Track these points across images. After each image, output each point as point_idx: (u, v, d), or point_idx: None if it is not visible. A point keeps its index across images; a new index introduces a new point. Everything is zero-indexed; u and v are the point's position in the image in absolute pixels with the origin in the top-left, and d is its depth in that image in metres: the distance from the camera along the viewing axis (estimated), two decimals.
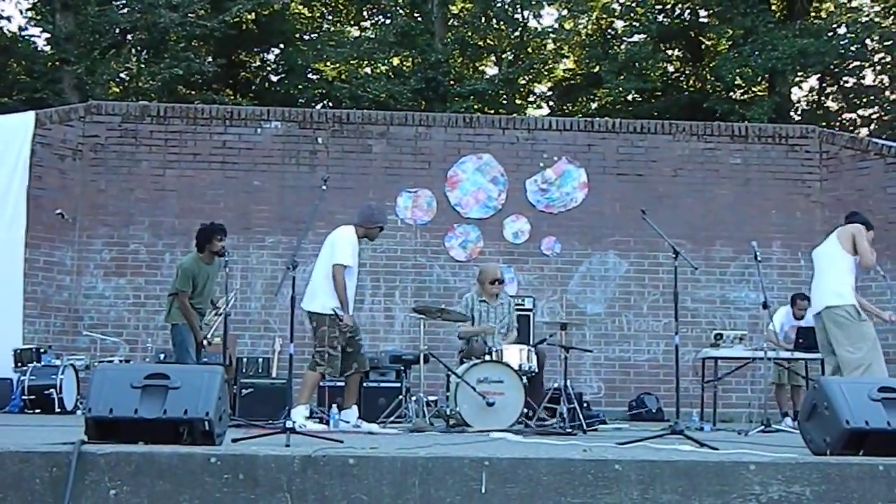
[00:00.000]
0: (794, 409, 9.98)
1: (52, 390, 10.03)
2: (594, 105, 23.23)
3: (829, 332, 7.90)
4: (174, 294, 8.67)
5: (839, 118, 22.15)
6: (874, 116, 21.95)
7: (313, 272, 8.37)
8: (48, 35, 19.52)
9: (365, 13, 23.83)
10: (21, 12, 22.64)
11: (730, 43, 20.24)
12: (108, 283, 12.04)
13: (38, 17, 19.51)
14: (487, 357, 8.37)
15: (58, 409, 9.95)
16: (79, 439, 4.42)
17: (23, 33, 20.23)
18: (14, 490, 4.24)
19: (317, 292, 8.19)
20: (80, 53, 18.30)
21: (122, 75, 20.35)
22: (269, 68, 23.42)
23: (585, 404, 10.12)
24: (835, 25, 20.28)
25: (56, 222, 11.73)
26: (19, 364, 10.34)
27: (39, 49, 20.30)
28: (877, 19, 21.05)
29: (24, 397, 10.03)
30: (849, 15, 21.31)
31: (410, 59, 21.49)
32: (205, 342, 8.71)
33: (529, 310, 11.08)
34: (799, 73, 20.40)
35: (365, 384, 9.73)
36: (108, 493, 4.25)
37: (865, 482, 4.45)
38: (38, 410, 9.95)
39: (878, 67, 21.55)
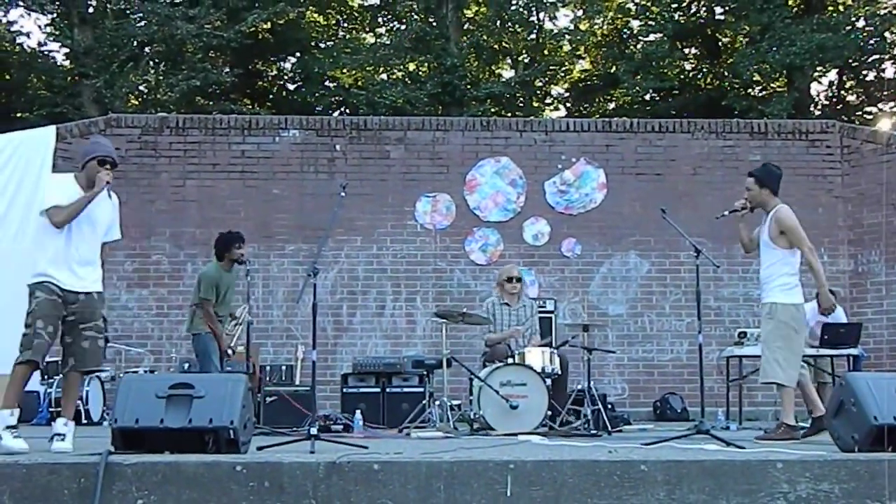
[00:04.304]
0: None
1: (78, 402, 10.07)
2: (611, 105, 23.16)
3: None
4: (195, 304, 8.70)
5: (860, 112, 21.99)
6: (895, 110, 21.77)
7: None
8: (67, 50, 19.69)
9: (380, 19, 23.85)
10: (40, 28, 22.83)
11: (747, 39, 20.12)
12: (131, 295, 12.10)
13: (57, 33, 19.61)
14: (510, 360, 8.36)
15: (84, 421, 10.00)
16: (105, 450, 4.45)
17: (42, 48, 20.40)
18: (43, 501, 4.28)
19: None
20: (98, 67, 18.42)
21: (140, 88, 20.46)
22: (285, 77, 23.47)
23: (609, 405, 10.08)
24: (853, 19, 20.10)
25: None
26: (45, 377, 10.38)
27: (59, 64, 20.48)
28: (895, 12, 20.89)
29: (50, 409, 10.07)
30: (867, 8, 21.11)
31: (426, 64, 21.49)
32: (229, 351, 8.74)
33: (551, 312, 11.07)
34: (818, 68, 20.25)
35: (388, 390, 9.72)
36: (136, 503, 4.28)
37: (895, 479, 4.42)
38: None
39: None
